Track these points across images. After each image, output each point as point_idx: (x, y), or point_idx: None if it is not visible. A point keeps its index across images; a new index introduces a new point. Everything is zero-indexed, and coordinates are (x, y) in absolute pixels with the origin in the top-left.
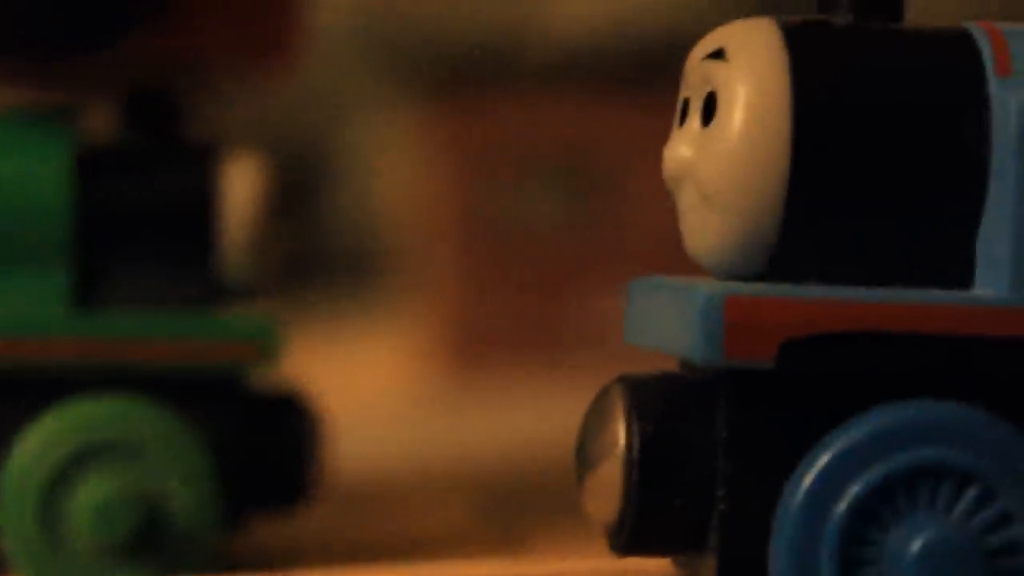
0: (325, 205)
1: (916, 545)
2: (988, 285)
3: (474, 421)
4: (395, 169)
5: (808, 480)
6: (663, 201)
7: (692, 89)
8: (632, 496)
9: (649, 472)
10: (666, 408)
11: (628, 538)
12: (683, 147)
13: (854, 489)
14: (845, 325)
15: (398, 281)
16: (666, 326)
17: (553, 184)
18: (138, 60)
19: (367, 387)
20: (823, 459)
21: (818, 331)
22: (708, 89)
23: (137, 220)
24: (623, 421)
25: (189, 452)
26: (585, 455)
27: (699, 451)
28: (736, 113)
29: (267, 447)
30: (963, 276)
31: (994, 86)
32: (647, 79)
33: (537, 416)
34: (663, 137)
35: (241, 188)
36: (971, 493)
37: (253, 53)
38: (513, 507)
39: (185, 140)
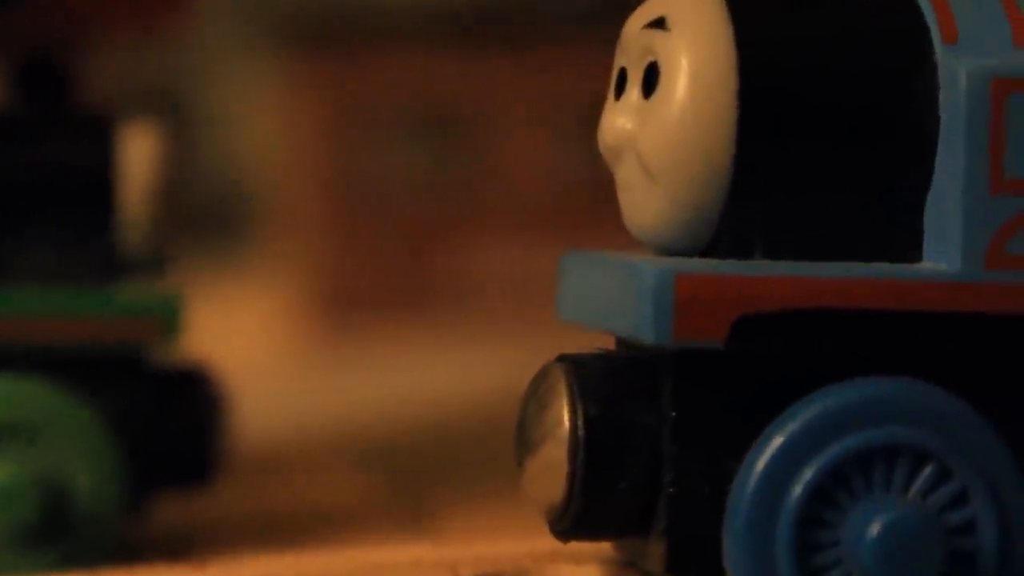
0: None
1: (875, 527)
2: (938, 259)
3: (353, 383)
4: (263, 125)
5: (762, 462)
6: (533, 156)
7: (630, 59)
8: (576, 479)
9: (594, 454)
10: (610, 388)
11: (572, 522)
12: (621, 119)
13: (809, 471)
14: (799, 302)
15: (267, 240)
16: (608, 304)
17: (423, 139)
18: (27, 26)
19: (238, 350)
20: (777, 441)
21: (771, 309)
22: (649, 59)
23: (31, 193)
24: (566, 402)
25: (91, 433)
26: (526, 437)
27: (644, 433)
28: (680, 84)
29: (171, 425)
30: (911, 249)
31: (941, 53)
32: (518, 33)
33: (416, 376)
34: (534, 91)
35: (139, 157)
36: (927, 471)
37: (143, 13)
38: (418, 476)
39: (79, 108)
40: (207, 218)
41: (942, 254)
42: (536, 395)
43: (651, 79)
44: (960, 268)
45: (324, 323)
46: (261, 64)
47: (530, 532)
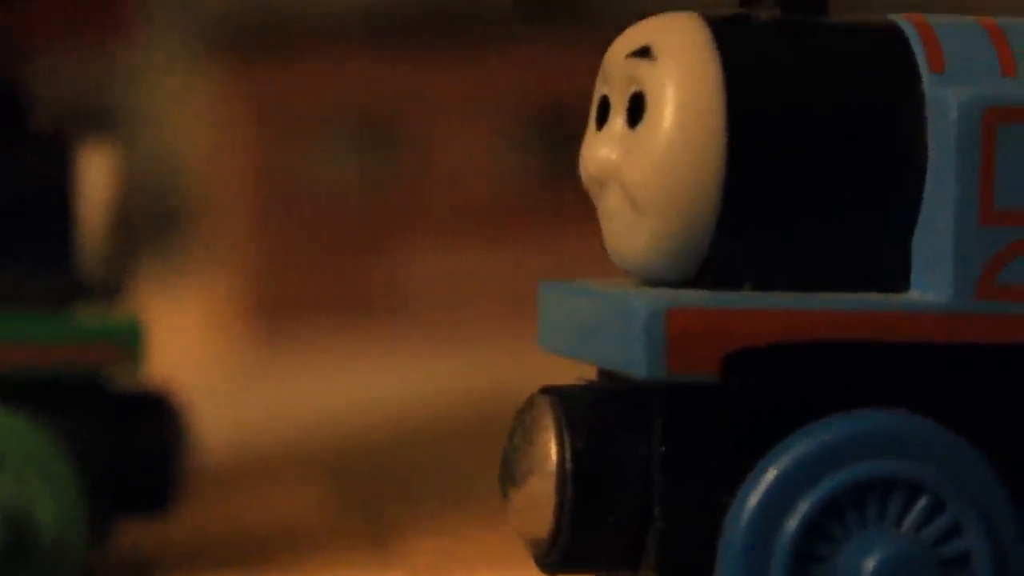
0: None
1: (872, 562)
2: (928, 289)
3: (294, 391)
4: (196, 131)
5: (756, 496)
6: (468, 159)
7: (614, 88)
8: (564, 513)
9: (582, 488)
10: (597, 421)
11: (560, 556)
12: (605, 149)
13: (804, 504)
14: (791, 336)
15: (201, 247)
16: (596, 336)
17: (359, 143)
18: None
19: (173, 361)
20: (771, 474)
21: (763, 342)
22: (634, 89)
23: None
24: (553, 435)
25: (53, 461)
26: (511, 470)
27: (633, 466)
28: (667, 114)
29: (133, 450)
30: (899, 279)
31: (928, 83)
32: (452, 37)
33: (358, 382)
34: (468, 95)
35: (96, 178)
36: (921, 504)
37: (86, 25)
38: (370, 487)
39: (34, 129)
40: (141, 227)
41: (932, 284)
42: (522, 427)
43: (636, 109)
44: (951, 299)
45: (260, 331)
46: (195, 70)
47: (507, 558)
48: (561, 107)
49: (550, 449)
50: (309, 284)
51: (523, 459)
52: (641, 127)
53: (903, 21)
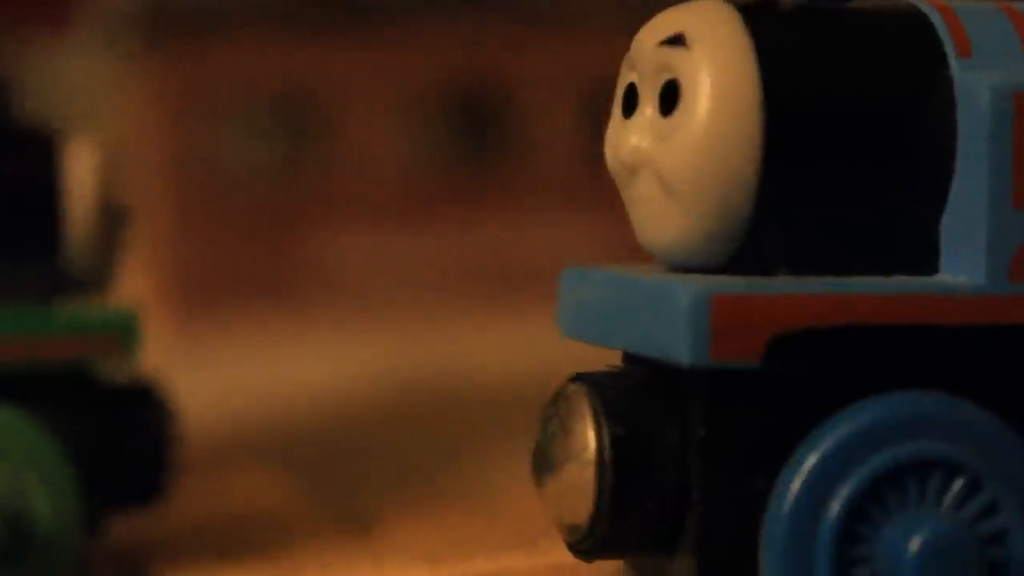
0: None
1: (916, 541)
2: (958, 271)
3: (218, 377)
4: (110, 115)
5: (799, 481)
6: (384, 142)
7: (643, 76)
8: (604, 501)
9: (622, 475)
10: (633, 408)
11: (597, 542)
12: (636, 136)
13: (846, 487)
14: (832, 320)
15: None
16: (631, 323)
17: (276, 125)
18: None
19: None
20: (812, 458)
21: (805, 327)
22: (667, 77)
23: None
24: (591, 423)
25: (49, 455)
26: (547, 459)
27: (670, 451)
28: (703, 101)
29: (125, 442)
30: (928, 262)
31: (956, 68)
32: (369, 17)
33: (287, 367)
34: (383, 77)
35: (83, 171)
36: (958, 484)
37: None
38: (333, 473)
39: (19, 123)
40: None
41: (964, 267)
42: (557, 416)
43: (669, 96)
44: (985, 281)
45: (182, 317)
46: (108, 56)
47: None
48: (474, 87)
49: (588, 437)
50: (229, 270)
51: (559, 447)
52: (677, 114)
53: (925, 5)
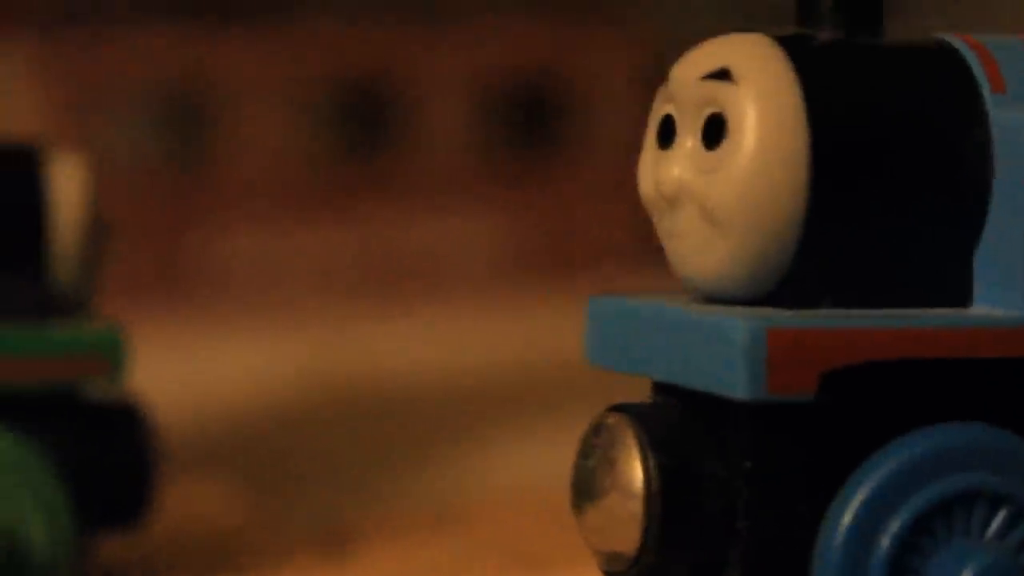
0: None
1: (968, 572)
2: (996, 303)
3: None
4: (4, 108)
5: (849, 515)
6: (279, 137)
7: (683, 108)
8: (652, 531)
9: (669, 507)
10: (678, 439)
11: (641, 572)
12: (677, 168)
13: (896, 520)
14: (884, 354)
15: None
16: (676, 356)
17: (167, 121)
18: None
19: None
20: (862, 493)
21: (857, 361)
22: (711, 111)
23: None
24: (637, 454)
25: (42, 477)
26: (589, 488)
27: (716, 483)
28: (751, 135)
29: (111, 462)
30: (963, 295)
31: (990, 103)
32: (261, 12)
33: (186, 368)
34: (275, 70)
35: (68, 190)
36: (1002, 515)
37: None
38: (287, 482)
39: (2, 141)
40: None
41: (1003, 299)
42: (600, 447)
43: (714, 130)
44: None
45: None
46: (2, 47)
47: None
48: (366, 81)
49: (634, 467)
50: (123, 265)
51: (603, 477)
52: (723, 148)
53: (957, 41)
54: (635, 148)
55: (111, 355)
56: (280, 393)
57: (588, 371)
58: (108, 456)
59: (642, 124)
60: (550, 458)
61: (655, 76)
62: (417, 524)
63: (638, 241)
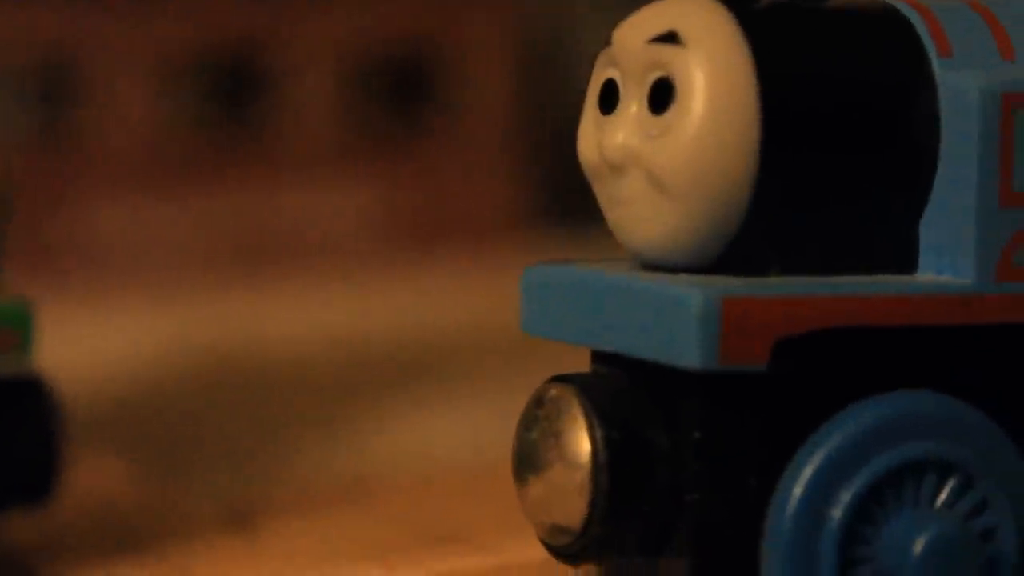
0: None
1: (920, 541)
2: (941, 271)
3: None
4: None
5: (800, 486)
6: (146, 111)
7: (627, 72)
8: (599, 503)
9: (617, 478)
10: (625, 410)
11: (588, 545)
12: (622, 134)
13: (848, 489)
14: (840, 321)
15: None
16: (623, 325)
17: (33, 94)
18: None
19: None
20: (813, 462)
21: (809, 329)
22: (658, 74)
23: None
24: (584, 425)
25: None
26: (533, 461)
27: (663, 454)
28: (700, 100)
29: (19, 440)
30: (908, 262)
31: (938, 68)
32: None
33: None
34: (141, 40)
35: None
36: (951, 483)
37: None
38: (179, 457)
39: None
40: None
41: (949, 267)
42: (543, 419)
43: (661, 94)
44: (975, 281)
45: None
46: None
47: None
48: (234, 52)
49: (581, 439)
50: None
51: (548, 450)
52: (670, 113)
53: (903, 4)
54: (509, 116)
55: (20, 329)
56: (164, 367)
57: (470, 339)
58: (15, 433)
59: (515, 92)
60: (441, 428)
61: (529, 43)
62: (324, 498)
63: (513, 212)
